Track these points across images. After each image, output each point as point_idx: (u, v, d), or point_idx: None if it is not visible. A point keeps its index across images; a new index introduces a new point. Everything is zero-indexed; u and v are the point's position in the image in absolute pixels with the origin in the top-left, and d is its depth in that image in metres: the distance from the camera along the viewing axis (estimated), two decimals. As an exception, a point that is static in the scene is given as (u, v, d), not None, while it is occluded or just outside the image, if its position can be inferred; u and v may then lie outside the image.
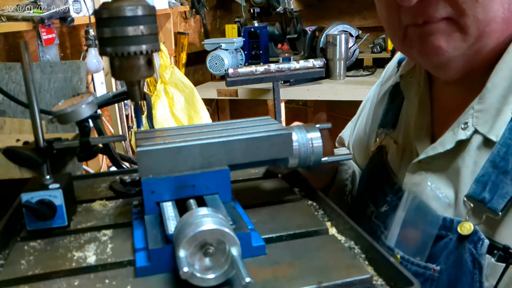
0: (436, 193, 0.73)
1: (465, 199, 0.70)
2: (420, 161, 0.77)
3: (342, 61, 2.64)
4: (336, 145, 1.17)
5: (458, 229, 0.69)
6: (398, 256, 0.75)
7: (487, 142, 0.69)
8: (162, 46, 2.56)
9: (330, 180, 0.98)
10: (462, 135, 0.71)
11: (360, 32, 2.78)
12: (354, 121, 1.11)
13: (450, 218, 0.71)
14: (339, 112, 3.33)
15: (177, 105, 2.53)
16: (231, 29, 3.04)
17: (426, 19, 0.68)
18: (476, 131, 0.70)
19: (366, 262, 0.56)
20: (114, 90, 2.30)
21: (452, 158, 0.73)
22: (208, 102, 2.87)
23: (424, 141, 0.80)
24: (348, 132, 1.12)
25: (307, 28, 2.84)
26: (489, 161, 0.68)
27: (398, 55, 0.97)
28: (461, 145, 0.72)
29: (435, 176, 0.75)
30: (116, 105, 2.36)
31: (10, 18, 1.70)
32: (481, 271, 0.67)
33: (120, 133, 2.38)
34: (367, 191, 0.90)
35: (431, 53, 0.71)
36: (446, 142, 0.74)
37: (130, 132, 2.46)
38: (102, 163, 2.29)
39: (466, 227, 0.68)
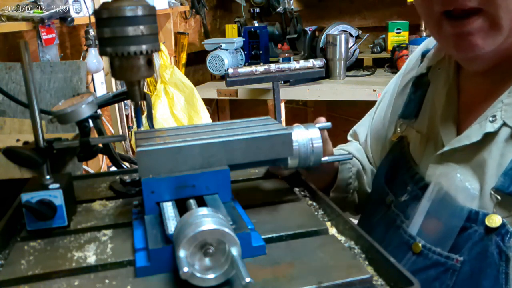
0: (465, 184, 0.73)
1: (492, 192, 0.70)
2: (444, 153, 0.78)
3: (342, 61, 2.64)
4: (349, 138, 1.17)
5: (486, 222, 0.69)
6: (420, 244, 0.76)
7: None
8: (162, 46, 2.56)
9: (332, 179, 0.99)
10: (490, 127, 0.72)
11: (360, 32, 2.78)
12: (372, 114, 1.11)
13: (476, 210, 0.71)
14: (339, 112, 3.33)
15: (177, 105, 2.53)
16: (231, 29, 3.04)
17: (457, 6, 0.69)
18: (504, 124, 0.71)
19: (366, 262, 0.56)
20: (114, 90, 2.30)
21: (477, 150, 0.74)
22: (208, 102, 2.87)
23: (450, 131, 0.80)
24: (365, 125, 1.12)
25: (307, 28, 2.84)
26: None
27: (421, 46, 0.99)
28: (488, 137, 0.73)
29: (460, 168, 0.76)
30: (116, 105, 2.36)
31: (10, 18, 1.70)
32: (508, 263, 0.67)
33: (120, 133, 2.38)
34: (387, 180, 0.91)
35: (467, 49, 0.72)
36: (472, 134, 0.74)
37: (130, 132, 2.46)
38: (102, 163, 2.29)
39: (494, 220, 0.68)
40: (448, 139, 0.79)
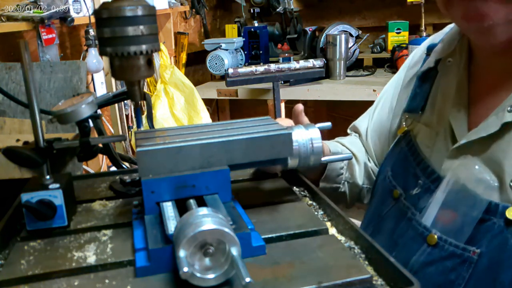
0: (484, 176, 0.72)
1: None
2: (460, 146, 0.77)
3: (342, 61, 2.64)
4: (348, 131, 1.17)
5: (507, 214, 0.69)
6: (435, 236, 0.76)
7: None
8: (162, 46, 2.56)
9: (322, 170, 0.99)
10: (509, 117, 0.71)
11: (360, 32, 2.78)
12: (373, 109, 1.11)
13: (496, 202, 0.71)
14: (339, 112, 3.33)
15: (177, 105, 2.53)
16: (231, 29, 3.03)
17: None
18: None
19: (366, 262, 0.56)
20: (114, 90, 2.30)
21: (496, 141, 0.73)
22: (208, 102, 2.87)
23: (461, 123, 0.80)
24: (366, 120, 1.12)
25: (307, 28, 2.84)
26: None
27: (427, 41, 0.99)
28: (506, 128, 0.72)
29: (477, 160, 0.75)
30: (116, 105, 2.36)
31: (10, 18, 1.70)
32: None
33: (120, 133, 2.38)
34: (394, 174, 0.91)
35: (474, 18, 0.71)
36: (490, 126, 0.73)
37: (130, 132, 2.46)
38: (102, 163, 2.29)
39: None
40: (460, 131, 0.79)
